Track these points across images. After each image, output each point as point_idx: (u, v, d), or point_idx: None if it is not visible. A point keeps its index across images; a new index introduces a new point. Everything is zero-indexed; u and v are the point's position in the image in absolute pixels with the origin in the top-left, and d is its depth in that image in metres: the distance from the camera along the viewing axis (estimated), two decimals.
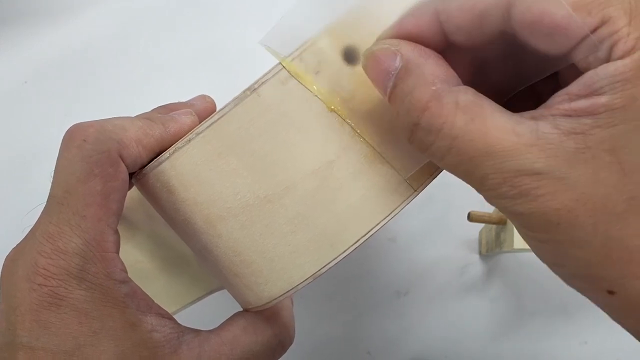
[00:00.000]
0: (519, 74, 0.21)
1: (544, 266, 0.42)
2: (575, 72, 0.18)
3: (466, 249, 0.43)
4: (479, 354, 0.42)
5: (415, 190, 0.23)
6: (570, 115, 0.18)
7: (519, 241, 0.36)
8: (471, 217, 0.37)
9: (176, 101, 0.28)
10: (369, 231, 0.22)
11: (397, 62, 0.20)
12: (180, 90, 0.40)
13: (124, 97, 0.45)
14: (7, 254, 0.23)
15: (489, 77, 0.22)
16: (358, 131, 0.22)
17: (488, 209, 0.40)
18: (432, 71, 0.19)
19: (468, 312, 0.42)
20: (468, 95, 0.19)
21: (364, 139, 0.22)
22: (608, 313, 0.20)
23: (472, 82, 0.20)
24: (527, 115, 0.19)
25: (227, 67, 0.45)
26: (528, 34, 0.18)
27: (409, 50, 0.20)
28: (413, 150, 0.23)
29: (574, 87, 0.18)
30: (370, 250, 0.42)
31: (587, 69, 0.18)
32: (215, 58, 0.46)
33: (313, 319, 0.42)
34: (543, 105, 0.19)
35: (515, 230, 0.36)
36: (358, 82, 0.22)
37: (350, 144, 0.22)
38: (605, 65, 0.18)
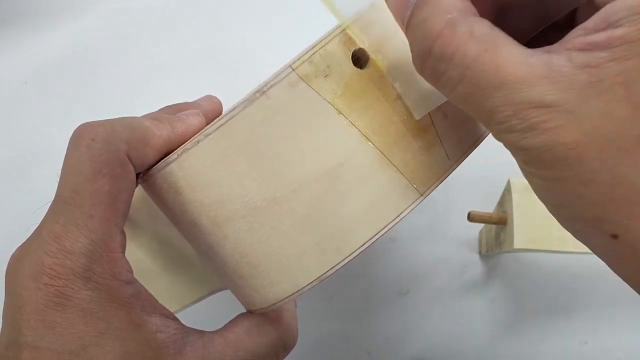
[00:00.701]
0: (537, 14, 0.21)
1: (544, 266, 0.42)
2: (594, 12, 0.18)
3: (466, 249, 0.43)
4: (479, 354, 0.42)
5: (422, 195, 0.23)
6: (585, 49, 0.17)
7: (519, 241, 0.36)
8: (471, 217, 0.37)
9: (178, 101, 0.28)
10: (375, 234, 0.22)
11: None
12: (180, 90, 0.40)
13: (124, 97, 0.45)
14: (10, 253, 0.23)
15: (508, 20, 0.21)
16: (366, 135, 0.22)
17: (488, 208, 0.40)
18: (449, 1, 0.19)
19: (468, 312, 0.42)
20: (483, 26, 0.18)
21: (372, 143, 0.22)
22: (608, 262, 0.19)
23: (497, 23, 0.19)
24: (542, 49, 0.18)
25: (228, 67, 0.45)
26: None
27: None
28: (422, 155, 0.23)
29: (591, 21, 0.18)
30: (370, 250, 0.42)
31: (602, 3, 0.18)
32: (216, 58, 0.46)
33: (313, 319, 0.42)
34: (559, 41, 0.18)
35: (515, 230, 0.36)
36: (367, 86, 0.22)
37: (358, 148, 0.22)
38: None
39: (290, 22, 0.47)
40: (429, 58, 0.19)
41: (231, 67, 0.45)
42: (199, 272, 0.29)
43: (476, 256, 0.43)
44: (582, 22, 0.18)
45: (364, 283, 0.42)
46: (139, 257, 0.29)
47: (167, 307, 0.24)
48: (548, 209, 0.20)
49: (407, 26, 0.20)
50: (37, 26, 0.46)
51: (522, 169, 0.19)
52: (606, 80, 0.17)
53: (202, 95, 0.29)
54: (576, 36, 0.18)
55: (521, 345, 0.42)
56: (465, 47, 0.18)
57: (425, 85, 0.22)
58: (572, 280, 0.42)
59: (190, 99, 0.29)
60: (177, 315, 0.26)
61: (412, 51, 0.20)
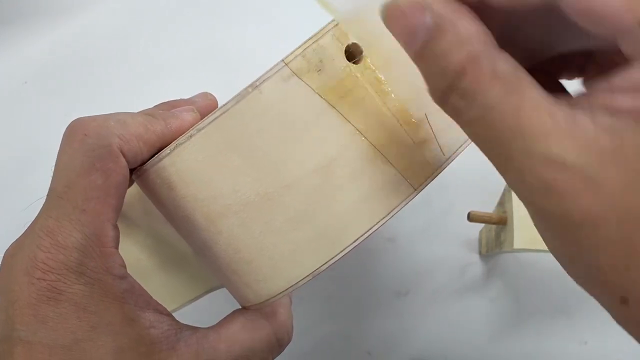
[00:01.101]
0: (551, 42, 0.20)
1: (544, 266, 0.42)
2: (615, 49, 0.17)
3: (466, 249, 0.43)
4: (479, 354, 0.42)
5: (416, 190, 0.23)
6: (610, 111, 0.17)
7: (519, 241, 0.36)
8: (471, 217, 0.37)
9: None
10: (368, 230, 0.22)
11: (427, 19, 0.18)
12: (180, 90, 0.40)
13: (124, 97, 0.45)
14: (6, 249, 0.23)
15: (518, 40, 0.20)
16: (359, 130, 0.22)
17: (488, 208, 0.40)
18: (467, 30, 0.18)
19: (468, 312, 0.42)
20: (507, 65, 0.18)
21: (365, 137, 0.22)
22: (617, 321, 0.19)
23: (500, 42, 0.18)
24: (565, 100, 0.17)
25: (228, 66, 0.45)
26: (576, 14, 0.17)
27: (441, 6, 0.18)
28: (416, 150, 0.23)
29: (618, 79, 0.17)
30: (370, 250, 0.42)
31: (632, 58, 0.17)
32: (216, 57, 0.46)
33: (313, 319, 0.42)
34: (584, 94, 0.18)
35: (515, 230, 0.36)
36: (360, 81, 0.22)
37: (351, 143, 0.22)
38: None
39: (290, 20, 0.47)
40: (451, 94, 0.18)
41: (231, 66, 0.45)
42: (195, 270, 0.29)
43: (476, 256, 0.43)
44: (601, 54, 0.18)
45: (364, 283, 0.42)
46: (135, 255, 0.29)
47: (166, 306, 0.24)
48: (560, 264, 0.19)
49: (420, 56, 0.19)
50: (37, 26, 0.46)
51: (534, 222, 0.19)
52: (628, 150, 0.16)
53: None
54: (604, 95, 0.17)
55: (521, 345, 0.42)
56: (488, 87, 0.17)
57: (418, 82, 0.22)
58: (572, 280, 0.42)
59: (193, 96, 0.29)
60: (175, 313, 0.26)
61: (427, 83, 0.19)
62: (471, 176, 0.43)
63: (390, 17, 0.19)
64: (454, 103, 0.18)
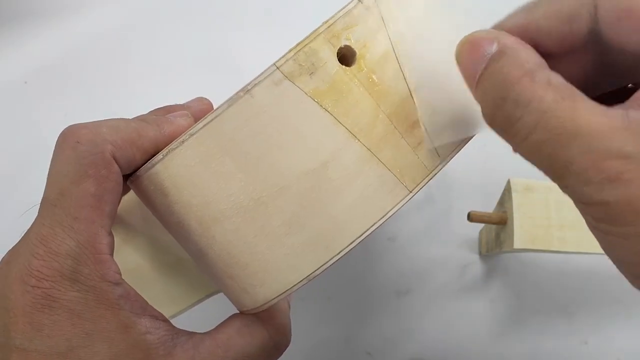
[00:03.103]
0: (606, 78, 0.21)
1: (544, 266, 0.42)
2: None
3: (466, 249, 0.43)
4: (479, 354, 0.42)
5: (411, 192, 0.23)
6: None
7: (519, 241, 0.36)
8: (471, 217, 0.37)
9: (177, 101, 0.28)
10: (363, 232, 0.22)
11: (494, 47, 0.19)
12: (180, 91, 0.40)
13: (124, 97, 0.45)
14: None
15: (576, 83, 0.21)
16: (353, 133, 0.22)
17: (488, 208, 0.40)
18: (526, 54, 0.19)
19: (468, 312, 0.42)
20: (560, 78, 0.18)
21: (359, 140, 0.22)
22: None
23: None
24: (617, 106, 0.18)
25: (225, 70, 0.45)
26: (616, 30, 0.18)
27: (507, 38, 0.19)
28: (410, 152, 0.23)
29: None
30: (370, 250, 0.42)
31: None
32: (216, 60, 0.46)
33: (313, 319, 0.42)
34: (631, 98, 0.18)
35: (515, 230, 0.36)
36: (354, 84, 0.22)
37: (345, 145, 0.22)
38: None
39: (287, 24, 0.47)
40: (504, 104, 0.19)
41: (229, 70, 0.45)
42: (195, 275, 0.29)
43: (476, 256, 0.43)
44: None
45: (364, 283, 0.42)
46: (135, 261, 0.29)
47: (165, 312, 0.24)
48: (623, 267, 0.19)
49: (480, 78, 0.19)
50: (37, 26, 0.46)
51: (593, 227, 0.19)
52: None
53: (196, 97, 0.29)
54: None
55: (521, 345, 0.42)
56: (543, 94, 0.18)
57: (413, 84, 0.22)
58: (572, 280, 0.42)
59: (189, 99, 0.29)
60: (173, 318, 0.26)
61: (482, 103, 0.20)
62: (471, 176, 0.43)
63: (463, 50, 0.20)
64: (507, 112, 0.19)
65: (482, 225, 0.42)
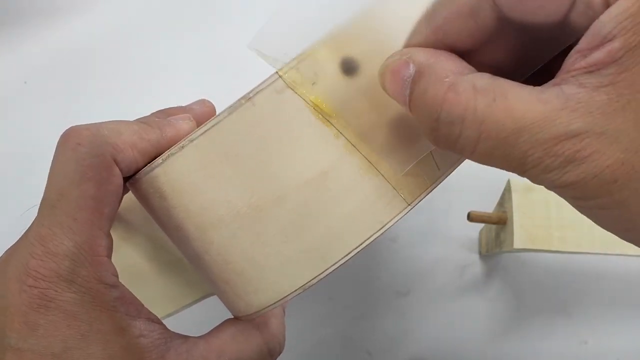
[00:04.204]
0: (528, 60, 0.21)
1: (544, 266, 0.42)
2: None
3: (466, 249, 0.43)
4: (479, 354, 0.42)
5: (409, 205, 0.23)
6: (591, 71, 0.17)
7: (519, 241, 0.36)
8: (471, 217, 0.37)
9: (177, 102, 0.28)
10: (360, 244, 0.22)
11: (411, 69, 0.19)
12: (180, 91, 0.40)
13: (124, 98, 0.45)
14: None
15: (504, 68, 0.21)
16: (353, 144, 0.22)
17: (488, 208, 0.40)
18: (444, 67, 0.19)
19: (468, 312, 0.42)
20: (484, 79, 0.18)
21: (359, 151, 0.22)
22: None
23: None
24: (548, 84, 0.18)
25: (228, 72, 0.45)
26: (520, 13, 0.18)
27: (420, 55, 0.19)
28: (410, 165, 0.22)
29: (583, 42, 0.17)
30: (370, 250, 0.42)
31: (584, 27, 0.17)
32: (217, 61, 0.46)
33: (313, 319, 0.42)
34: (559, 72, 0.18)
35: (515, 230, 0.36)
36: (355, 94, 0.22)
37: (345, 156, 0.22)
38: (607, 10, 0.17)
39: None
40: (440, 126, 0.18)
41: (231, 72, 0.45)
42: (192, 275, 0.29)
43: (476, 256, 0.43)
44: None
45: (364, 283, 0.42)
46: (134, 259, 0.29)
47: (162, 310, 0.24)
48: (618, 236, 0.19)
49: (410, 104, 0.19)
50: (37, 26, 0.46)
51: (575, 207, 0.19)
52: (625, 93, 0.17)
53: (198, 99, 0.29)
54: (575, 61, 0.17)
55: (521, 345, 0.42)
56: (474, 103, 0.18)
57: None
58: (572, 280, 0.42)
59: (191, 100, 0.29)
60: (167, 321, 0.26)
61: (421, 126, 0.19)
62: (471, 176, 0.43)
63: (385, 81, 0.20)
64: (446, 133, 0.18)
65: (482, 225, 0.42)
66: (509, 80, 0.18)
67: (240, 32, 0.47)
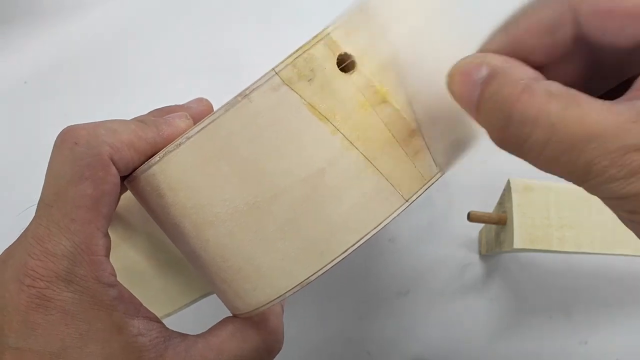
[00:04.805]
0: (598, 82, 0.21)
1: (544, 266, 0.42)
2: None
3: (466, 249, 0.43)
4: (479, 354, 0.42)
5: (407, 201, 0.23)
6: None
7: (519, 241, 0.36)
8: (471, 217, 0.37)
9: (177, 102, 0.28)
10: (358, 241, 0.22)
11: (484, 71, 0.19)
12: (180, 90, 0.40)
13: (124, 97, 0.45)
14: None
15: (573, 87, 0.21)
16: (350, 140, 0.22)
17: (488, 208, 0.40)
18: (518, 71, 0.19)
19: (468, 312, 0.42)
20: (558, 86, 0.18)
21: (356, 148, 0.22)
22: None
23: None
24: (619, 99, 0.18)
25: (226, 70, 0.45)
26: (601, 32, 0.18)
27: (494, 59, 0.19)
28: (408, 162, 0.22)
29: None
30: (370, 250, 0.42)
31: None
32: (217, 60, 0.46)
33: (313, 319, 0.42)
34: (630, 89, 0.18)
35: (515, 230, 0.36)
36: (352, 91, 0.22)
37: (342, 153, 0.22)
38: None
39: (289, 25, 0.46)
40: (510, 125, 0.18)
41: (230, 71, 0.45)
42: (192, 274, 0.29)
43: (476, 256, 0.43)
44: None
45: (364, 283, 0.42)
46: (133, 258, 0.29)
47: (162, 310, 0.24)
48: None
49: (479, 104, 0.19)
50: (37, 26, 0.46)
51: (628, 221, 0.19)
52: None
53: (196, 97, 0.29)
54: None
55: (521, 345, 0.42)
56: (547, 106, 0.18)
57: (412, 93, 0.21)
58: (572, 280, 0.42)
59: (190, 99, 0.29)
60: (166, 319, 0.26)
61: (488, 127, 0.19)
62: (471, 176, 0.43)
63: (454, 81, 0.20)
64: (515, 132, 0.18)
65: (482, 225, 0.42)
66: (579, 91, 0.18)
67: (238, 30, 0.47)
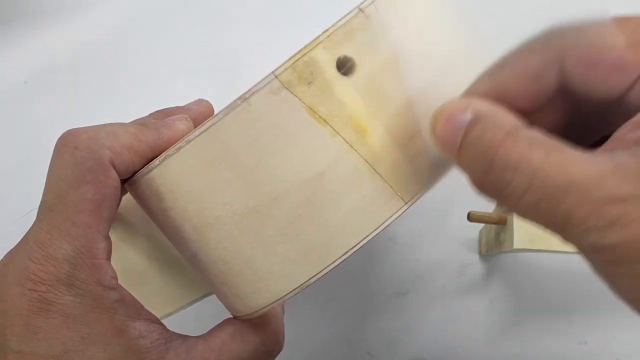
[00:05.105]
0: (578, 131, 0.21)
1: (544, 266, 0.42)
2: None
3: (466, 249, 0.43)
4: (479, 354, 0.42)
5: (406, 204, 0.23)
6: None
7: (519, 241, 0.36)
8: (471, 217, 0.37)
9: (175, 104, 0.28)
10: (358, 243, 0.22)
11: (468, 116, 0.19)
12: (181, 91, 0.40)
13: (125, 97, 0.45)
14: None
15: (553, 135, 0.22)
16: (350, 143, 0.22)
17: (488, 208, 0.40)
18: (502, 117, 0.19)
19: (468, 312, 0.42)
20: (540, 134, 0.19)
21: (356, 151, 0.22)
22: None
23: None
24: (599, 149, 0.18)
25: (230, 70, 0.45)
26: (585, 81, 0.19)
27: (479, 104, 0.20)
28: (407, 164, 0.22)
29: (638, 117, 0.18)
30: (370, 250, 0.42)
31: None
32: (218, 61, 0.46)
33: (313, 320, 0.42)
34: (609, 140, 0.19)
35: (515, 230, 0.36)
36: (352, 94, 0.22)
37: (341, 156, 0.22)
38: None
39: (290, 26, 0.46)
40: (491, 170, 0.19)
41: (232, 70, 0.45)
42: (192, 274, 0.29)
43: (476, 256, 0.43)
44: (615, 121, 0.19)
45: (364, 284, 0.42)
46: (134, 260, 0.29)
47: (162, 310, 0.24)
48: (638, 306, 0.19)
49: (461, 148, 0.20)
50: (37, 26, 0.46)
51: (601, 272, 0.19)
52: None
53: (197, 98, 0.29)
54: (627, 132, 0.18)
55: (521, 345, 0.42)
56: (530, 153, 0.18)
57: (411, 96, 0.22)
58: (572, 280, 0.42)
59: (190, 100, 0.29)
60: (167, 320, 0.26)
61: (468, 171, 0.20)
62: None
63: (438, 124, 0.20)
64: (497, 177, 0.19)
65: (482, 225, 0.42)
66: (560, 141, 0.19)
67: (238, 31, 0.47)
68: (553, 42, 0.20)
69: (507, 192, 0.18)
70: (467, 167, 0.20)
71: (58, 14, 0.46)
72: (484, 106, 0.20)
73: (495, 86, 0.20)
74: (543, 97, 0.20)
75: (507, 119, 0.19)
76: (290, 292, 0.22)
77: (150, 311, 0.24)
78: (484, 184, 0.19)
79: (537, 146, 0.18)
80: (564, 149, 0.18)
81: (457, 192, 0.43)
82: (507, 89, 0.20)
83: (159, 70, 0.45)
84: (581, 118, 0.21)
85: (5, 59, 0.45)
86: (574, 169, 0.17)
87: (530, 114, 0.20)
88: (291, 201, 0.22)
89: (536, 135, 0.18)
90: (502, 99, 0.20)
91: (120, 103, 0.44)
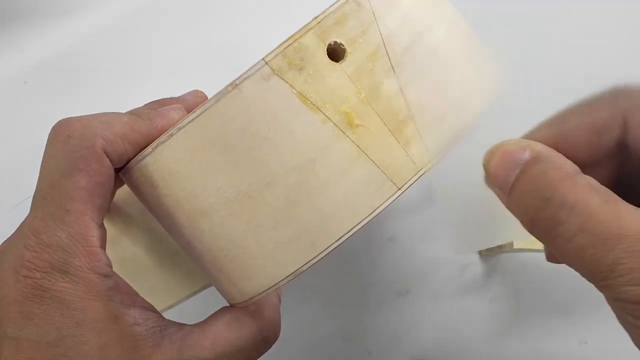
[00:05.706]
0: (632, 184, 0.22)
1: (544, 266, 0.42)
2: None
3: None
4: (479, 354, 0.42)
5: (399, 189, 0.23)
6: None
7: (519, 241, 0.36)
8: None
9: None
10: (351, 229, 0.22)
11: (526, 155, 0.20)
12: (180, 89, 0.40)
13: (125, 97, 0.45)
14: None
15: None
16: (341, 129, 0.22)
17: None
18: (562, 160, 0.20)
19: (468, 312, 0.42)
20: (597, 182, 0.19)
21: (348, 136, 0.22)
22: None
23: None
24: None
25: (225, 64, 0.45)
26: None
27: (539, 146, 0.20)
28: (400, 150, 0.22)
29: None
30: (370, 250, 0.42)
31: None
32: (217, 57, 0.46)
33: (313, 318, 0.42)
34: None
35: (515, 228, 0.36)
36: (343, 80, 0.22)
37: (333, 142, 0.22)
38: None
39: (287, 18, 0.46)
40: (547, 207, 0.19)
41: (231, 65, 0.45)
42: (191, 266, 0.30)
43: (476, 256, 0.43)
44: None
45: (364, 283, 0.42)
46: (133, 252, 0.29)
47: (161, 302, 0.24)
48: None
49: (516, 183, 0.20)
50: (37, 26, 0.46)
51: (632, 324, 0.19)
52: None
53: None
54: None
55: (521, 345, 0.42)
56: (587, 197, 0.18)
57: (402, 77, 0.22)
58: (572, 280, 0.42)
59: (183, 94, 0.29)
60: (167, 311, 0.26)
61: (521, 208, 0.20)
62: (471, 176, 0.43)
63: (494, 159, 0.21)
64: (551, 214, 0.19)
65: None
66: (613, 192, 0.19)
67: (235, 24, 0.47)
68: (620, 100, 0.20)
69: (558, 232, 0.19)
70: (519, 204, 0.20)
71: (58, 14, 0.46)
72: (544, 149, 0.20)
73: (556, 135, 0.21)
74: (602, 151, 0.20)
75: (568, 162, 0.20)
76: (285, 278, 0.22)
77: (150, 302, 0.25)
78: (537, 221, 0.19)
79: (596, 192, 0.18)
80: (620, 200, 0.18)
81: (457, 192, 0.43)
82: (569, 139, 0.21)
83: (159, 70, 0.45)
84: (630, 177, 0.21)
85: (5, 59, 0.45)
86: (628, 221, 0.18)
87: (583, 167, 0.20)
88: (283, 187, 0.22)
89: (595, 182, 0.19)
90: (561, 148, 0.20)
91: (120, 103, 0.44)
